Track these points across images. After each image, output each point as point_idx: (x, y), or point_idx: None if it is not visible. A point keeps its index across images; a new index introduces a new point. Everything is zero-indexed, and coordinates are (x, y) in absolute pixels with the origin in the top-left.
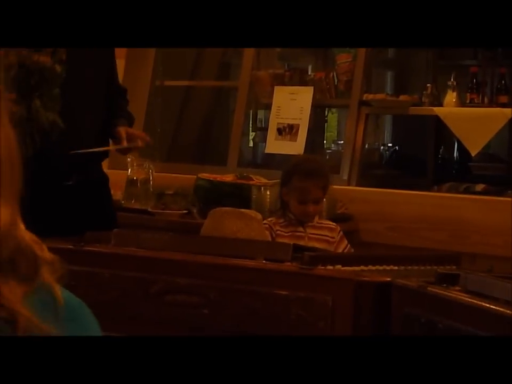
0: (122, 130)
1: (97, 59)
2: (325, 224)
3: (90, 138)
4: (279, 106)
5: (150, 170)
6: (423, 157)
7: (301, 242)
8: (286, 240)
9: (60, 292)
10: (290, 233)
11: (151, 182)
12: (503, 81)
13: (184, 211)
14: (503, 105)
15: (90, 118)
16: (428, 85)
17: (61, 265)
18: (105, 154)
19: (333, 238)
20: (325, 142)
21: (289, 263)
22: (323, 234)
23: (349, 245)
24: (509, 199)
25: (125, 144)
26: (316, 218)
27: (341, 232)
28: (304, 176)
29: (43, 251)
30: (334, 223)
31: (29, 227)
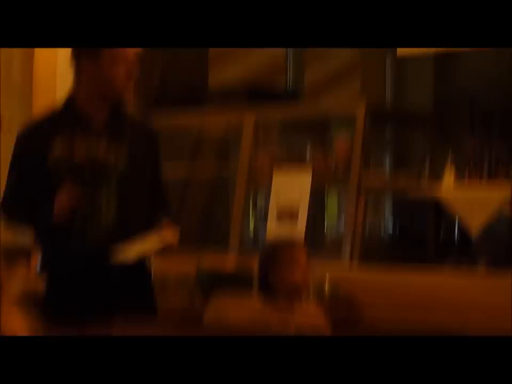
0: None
1: (146, 159)
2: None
3: (132, 231)
4: (278, 191)
5: (151, 256)
6: (425, 234)
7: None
8: None
9: None
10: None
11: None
12: (500, 158)
13: (187, 297)
14: (502, 182)
15: (135, 214)
16: (426, 164)
17: None
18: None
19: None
20: (325, 224)
21: None
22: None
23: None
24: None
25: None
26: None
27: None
28: (290, 244)
29: None
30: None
31: (68, 306)
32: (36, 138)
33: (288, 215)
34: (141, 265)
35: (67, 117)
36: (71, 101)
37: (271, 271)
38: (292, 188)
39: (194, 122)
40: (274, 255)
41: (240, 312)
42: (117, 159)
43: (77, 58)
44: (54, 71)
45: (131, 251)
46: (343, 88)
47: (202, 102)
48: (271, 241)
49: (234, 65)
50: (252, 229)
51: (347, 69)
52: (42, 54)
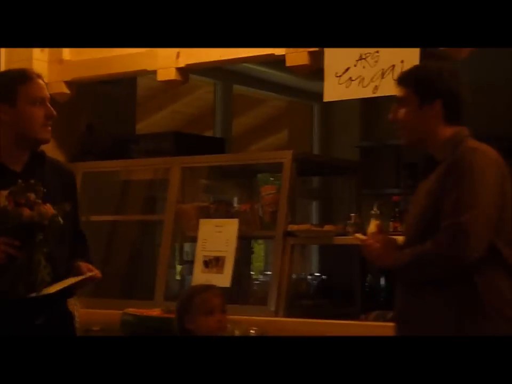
0: (79, 263)
1: (67, 202)
2: None
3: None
4: (205, 239)
5: (75, 306)
6: (350, 286)
7: None
8: None
9: None
10: None
11: (77, 319)
12: None
13: None
14: None
15: (62, 260)
16: (352, 214)
17: None
18: (70, 292)
19: None
20: (252, 273)
21: None
22: None
23: None
24: None
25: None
26: None
27: None
28: (204, 289)
29: None
30: None
31: None
32: None
33: (215, 264)
34: (65, 314)
35: None
36: None
37: (186, 317)
38: (218, 236)
39: (122, 169)
40: (189, 302)
41: None
42: (45, 207)
43: None
44: None
45: (52, 287)
46: (270, 136)
47: (130, 149)
48: (187, 289)
49: (162, 112)
50: (178, 277)
51: (275, 117)
52: None
